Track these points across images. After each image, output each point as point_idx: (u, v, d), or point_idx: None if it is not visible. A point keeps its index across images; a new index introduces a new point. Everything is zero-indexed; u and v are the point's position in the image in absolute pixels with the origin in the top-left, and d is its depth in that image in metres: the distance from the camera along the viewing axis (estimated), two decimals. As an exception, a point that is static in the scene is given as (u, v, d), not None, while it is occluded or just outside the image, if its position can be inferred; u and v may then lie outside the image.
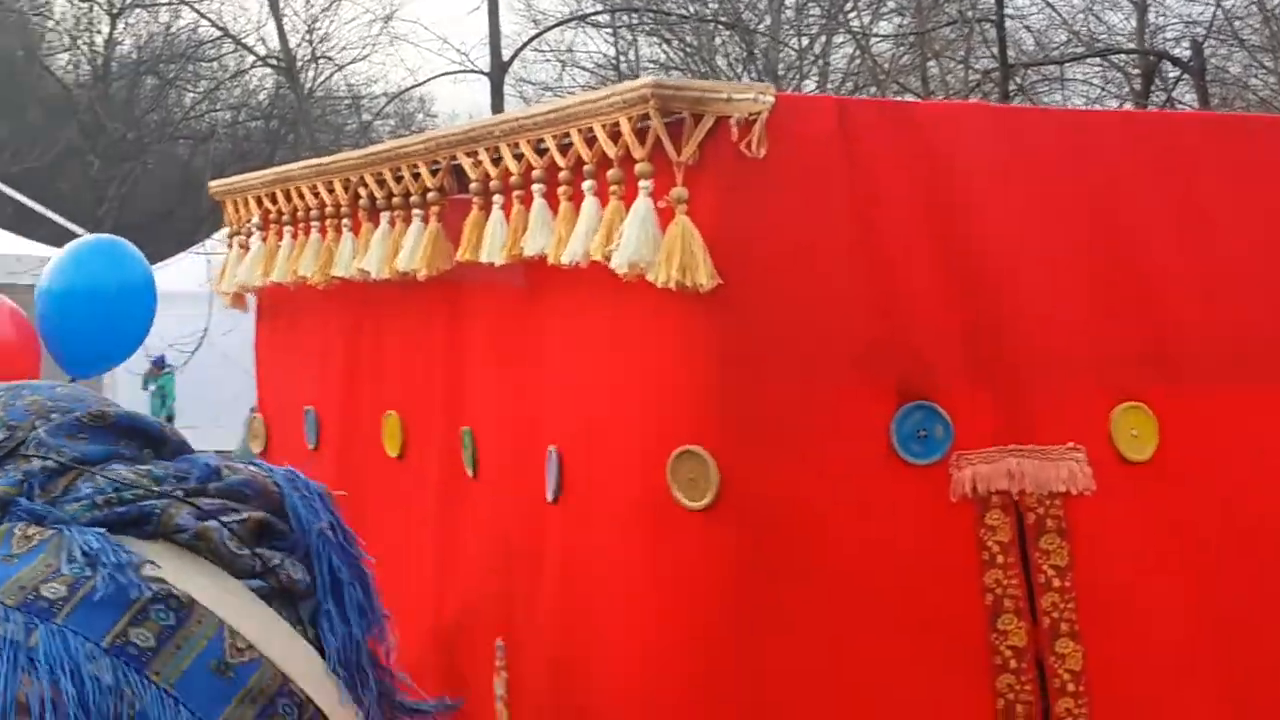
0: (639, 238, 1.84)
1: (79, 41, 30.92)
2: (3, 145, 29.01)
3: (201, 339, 14.82)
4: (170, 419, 18.41)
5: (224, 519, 1.51)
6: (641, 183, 1.85)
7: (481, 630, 2.27)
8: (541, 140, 2.01)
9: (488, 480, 2.26)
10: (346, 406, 2.59)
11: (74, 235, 16.29)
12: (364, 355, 2.55)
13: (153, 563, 1.46)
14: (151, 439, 1.61)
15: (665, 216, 1.84)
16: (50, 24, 31.21)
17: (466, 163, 2.16)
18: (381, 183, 2.35)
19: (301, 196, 2.54)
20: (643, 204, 1.85)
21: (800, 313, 1.88)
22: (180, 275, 18.97)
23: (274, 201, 2.62)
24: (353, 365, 2.57)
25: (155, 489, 1.53)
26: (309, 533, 1.53)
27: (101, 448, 1.58)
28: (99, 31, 30.67)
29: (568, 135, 1.97)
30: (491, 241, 2.08)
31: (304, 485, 1.58)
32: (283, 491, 1.56)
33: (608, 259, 1.87)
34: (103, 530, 1.48)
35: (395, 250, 2.29)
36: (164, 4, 29.49)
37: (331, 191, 2.46)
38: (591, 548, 2.03)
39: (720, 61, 18.63)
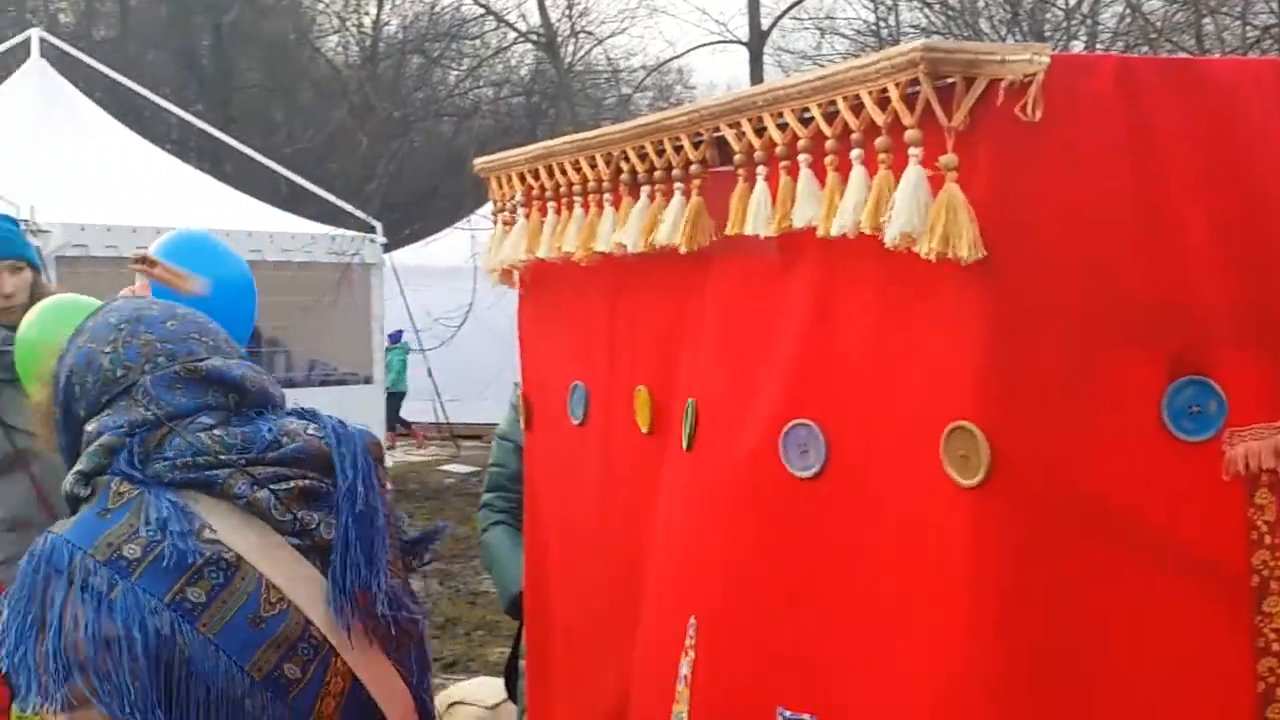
0: (911, 207, 1.78)
1: (348, 23, 31.80)
2: (278, 126, 30.07)
3: (466, 314, 15.16)
4: (400, 394, 18.85)
5: (274, 487, 1.97)
6: (911, 150, 1.79)
7: (675, 606, 2.24)
8: (806, 109, 1.97)
9: (706, 453, 2.23)
10: (607, 381, 2.58)
11: (344, 213, 16.82)
12: (620, 329, 2.54)
13: (210, 527, 1.93)
14: (236, 388, 2.05)
15: (935, 185, 1.78)
16: (320, 7, 32.13)
17: (729, 134, 2.13)
18: (643, 156, 2.33)
19: (564, 172, 2.54)
20: (913, 172, 1.79)
21: (1074, 282, 1.80)
22: (446, 251, 19.45)
23: (536, 178, 2.62)
24: (612, 339, 2.56)
25: (222, 457, 1.97)
26: (338, 493, 1.97)
27: (192, 401, 2.03)
28: (367, 13, 31.49)
29: (834, 103, 1.92)
30: (757, 214, 2.05)
31: (349, 442, 2.03)
32: (330, 454, 2.00)
33: (878, 230, 1.82)
34: (177, 495, 1.95)
35: (653, 224, 2.27)
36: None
37: (594, 166, 2.45)
38: (858, 525, 1.98)
39: (984, 24, 18.26)
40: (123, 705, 1.89)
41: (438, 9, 29.36)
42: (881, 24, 22.12)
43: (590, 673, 2.67)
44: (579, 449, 2.68)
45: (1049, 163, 1.79)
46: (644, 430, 2.47)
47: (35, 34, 16.18)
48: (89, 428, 2.05)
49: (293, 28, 30.03)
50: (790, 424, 2.06)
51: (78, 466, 2.03)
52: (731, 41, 21.15)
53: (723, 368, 2.23)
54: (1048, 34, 16.65)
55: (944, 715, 1.85)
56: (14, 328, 4.94)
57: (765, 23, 20.09)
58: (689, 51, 36.53)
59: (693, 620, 2.19)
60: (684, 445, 2.29)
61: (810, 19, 23.12)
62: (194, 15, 29.46)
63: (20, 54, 16.48)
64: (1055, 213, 1.79)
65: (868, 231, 1.84)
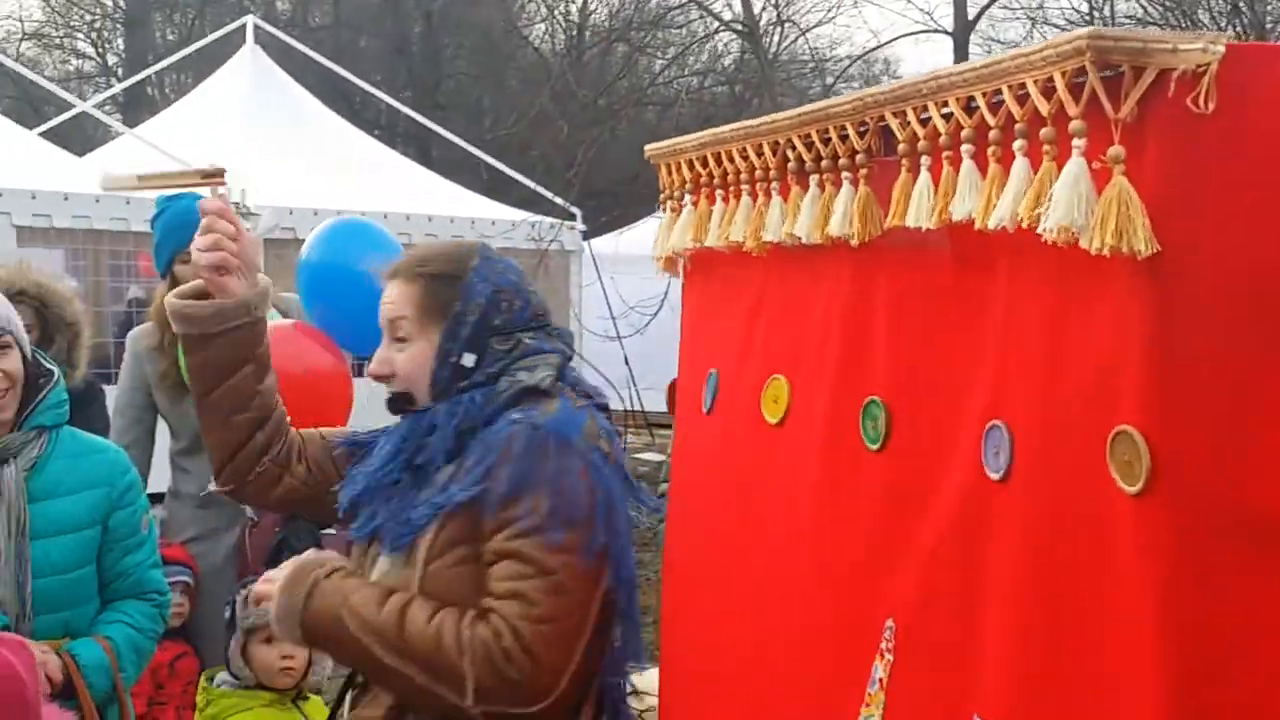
0: (1070, 199, 1.72)
1: (555, 12, 32.07)
2: (484, 112, 30.45)
3: (662, 302, 15.19)
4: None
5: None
6: (1075, 141, 1.73)
7: (869, 609, 2.19)
8: (972, 98, 1.91)
9: (897, 454, 2.18)
10: (737, 369, 2.55)
11: (545, 200, 16.99)
12: (762, 318, 2.51)
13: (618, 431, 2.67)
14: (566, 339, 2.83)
15: (1101, 178, 1.72)
16: (529, -4, 32.41)
17: (894, 123, 2.08)
18: (809, 145, 2.29)
19: (731, 160, 2.51)
20: (1075, 164, 1.72)
21: (1245, 283, 1.72)
22: (643, 238, 19.54)
23: (705, 165, 2.60)
24: (750, 328, 2.53)
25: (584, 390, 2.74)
26: None
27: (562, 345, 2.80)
28: (574, 1, 31.72)
29: (999, 92, 1.86)
30: (919, 205, 2.00)
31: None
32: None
33: (1036, 223, 1.76)
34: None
35: (825, 215, 2.23)
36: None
37: (760, 154, 2.42)
38: (1040, 530, 1.91)
39: (1203, 15, 17.74)
40: (621, 551, 2.53)
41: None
42: (1095, 14, 21.62)
43: (716, 654, 2.64)
44: (706, 436, 2.66)
45: (1221, 157, 1.71)
46: (772, 421, 2.43)
47: (250, 20, 16.63)
48: (526, 340, 2.74)
49: (501, 16, 30.39)
50: (989, 425, 2.00)
51: (544, 372, 2.72)
52: (936, 31, 20.89)
53: (910, 367, 2.18)
54: (1270, 25, 16.12)
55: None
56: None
57: (972, 11, 19.78)
58: (893, 41, 36.20)
59: (890, 623, 2.14)
60: (871, 445, 2.23)
61: (1021, 9, 22.75)
62: (405, 3, 29.99)
63: (236, 40, 16.97)
64: (1227, 210, 1.71)
65: (1025, 225, 1.78)
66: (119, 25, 32.16)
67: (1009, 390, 1.96)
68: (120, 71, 26.99)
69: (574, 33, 30.44)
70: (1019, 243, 1.88)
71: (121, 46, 31.53)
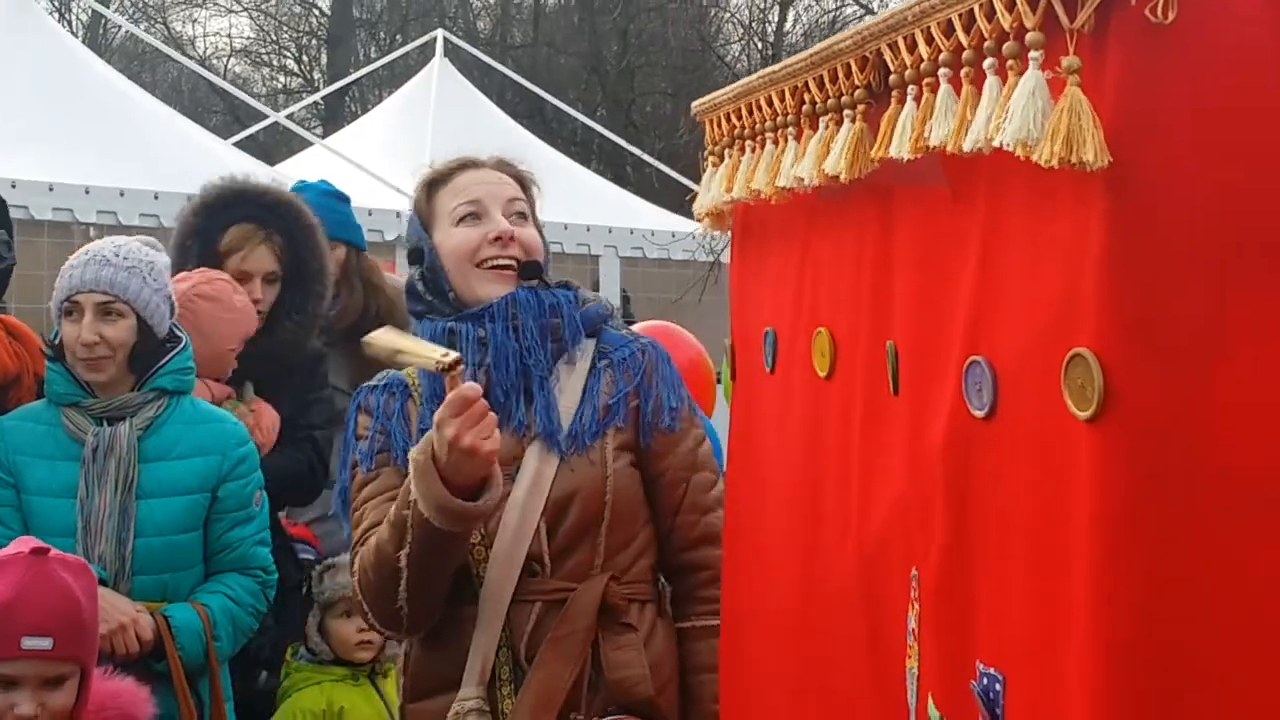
0: (1027, 112, 1.65)
1: (752, 32, 32.14)
2: (677, 131, 30.53)
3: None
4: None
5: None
6: (1032, 54, 1.66)
7: (897, 560, 2.13)
8: (950, 20, 1.86)
9: (909, 398, 2.11)
10: (792, 325, 2.50)
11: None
12: (808, 271, 2.46)
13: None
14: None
15: (1056, 90, 1.65)
16: (726, 15, 32.57)
17: (888, 55, 2.03)
18: (821, 85, 2.25)
19: (759, 108, 2.47)
20: (1032, 76, 1.65)
21: (1210, 204, 1.62)
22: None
23: (739, 117, 2.57)
24: (799, 281, 2.48)
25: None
26: None
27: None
28: (770, 21, 31.76)
29: (971, 12, 1.80)
30: (900, 134, 1.94)
31: None
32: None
33: (994, 141, 1.70)
34: None
35: (824, 154, 2.18)
36: (834, -8, 30.22)
37: (783, 100, 2.38)
38: (1017, 467, 1.85)
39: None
40: None
41: (840, 17, 29.42)
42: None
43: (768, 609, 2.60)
44: (769, 397, 2.61)
45: (1184, 69, 1.62)
46: (822, 374, 2.38)
47: (439, 35, 16.95)
48: None
49: (698, 36, 30.54)
50: (969, 361, 1.94)
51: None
52: None
53: (915, 307, 2.12)
54: None
55: (1070, 668, 1.70)
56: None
57: None
58: None
59: (914, 572, 2.09)
60: (891, 390, 2.18)
61: None
62: (601, 23, 30.31)
63: (431, 56, 17.30)
64: (1190, 125, 1.62)
65: (992, 144, 1.72)
66: (323, 43, 33.06)
67: (987, 324, 1.89)
68: (322, 87, 27.72)
69: (769, 52, 30.43)
70: (995, 168, 1.82)
71: (324, 63, 32.41)
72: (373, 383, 3.36)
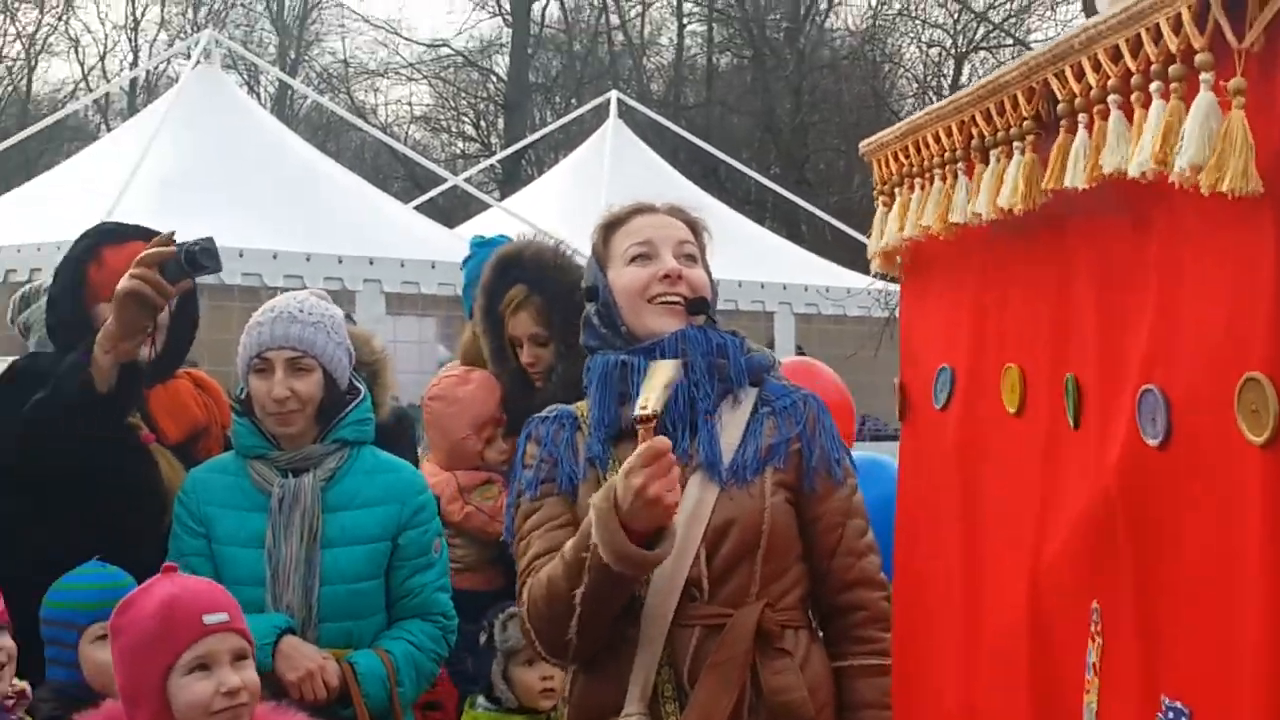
0: (1201, 138, 1.63)
1: (926, 86, 32.02)
2: (853, 188, 30.49)
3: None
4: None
5: None
6: (1202, 75, 1.65)
7: (1075, 594, 2.10)
8: (1117, 46, 1.85)
9: (1089, 429, 2.09)
10: (973, 362, 2.48)
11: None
12: (989, 306, 2.44)
13: None
14: None
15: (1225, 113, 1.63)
16: (900, 71, 32.50)
17: (1055, 84, 2.02)
18: (989, 119, 2.24)
19: (926, 145, 2.47)
20: (1204, 99, 1.64)
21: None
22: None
23: (906, 155, 2.57)
24: (980, 318, 2.46)
25: None
26: None
27: None
28: (945, 75, 31.62)
29: (1138, 36, 1.79)
30: (1074, 163, 1.93)
31: None
32: None
33: (1166, 166, 1.68)
34: None
35: (998, 188, 2.18)
36: (1010, 45, 30.01)
37: (950, 135, 2.38)
38: (1194, 496, 1.82)
39: None
40: None
41: (1015, 68, 29.13)
42: None
43: (941, 651, 2.57)
44: (939, 434, 2.59)
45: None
46: (1011, 411, 2.36)
47: (613, 96, 17.17)
48: None
49: (871, 92, 30.48)
50: (1141, 390, 1.92)
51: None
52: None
53: (1094, 338, 2.10)
54: None
55: (1246, 699, 1.67)
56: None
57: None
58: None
59: (1095, 605, 2.07)
60: (1071, 424, 2.16)
61: None
62: (775, 82, 30.42)
63: (605, 118, 17.52)
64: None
65: (1159, 169, 1.71)
66: (500, 108, 33.66)
67: (1161, 351, 1.87)
68: (499, 151, 28.22)
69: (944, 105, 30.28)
70: (1171, 194, 1.79)
71: (501, 128, 32.99)
72: (543, 414, 3.49)
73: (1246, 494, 1.66)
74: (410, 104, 39.92)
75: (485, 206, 16.63)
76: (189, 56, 13.55)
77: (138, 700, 3.12)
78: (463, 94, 34.79)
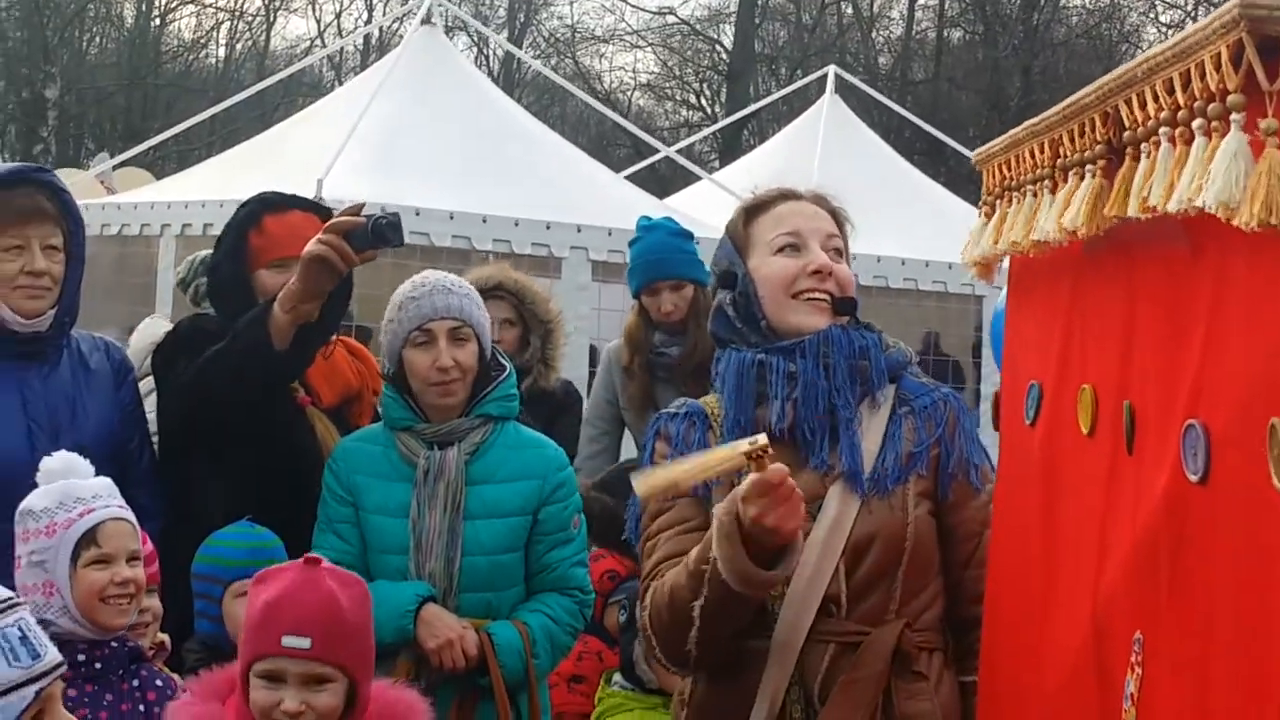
0: (1229, 174, 1.62)
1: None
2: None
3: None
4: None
5: None
6: (1233, 116, 1.63)
7: (1122, 624, 2.09)
8: (1171, 79, 1.83)
9: (1143, 457, 2.07)
10: (1057, 380, 2.47)
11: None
12: (1074, 325, 2.42)
13: None
14: None
15: (1257, 153, 1.61)
16: (1138, 51, 31.71)
17: (1124, 111, 2.00)
18: (1072, 139, 2.23)
19: (1023, 160, 2.46)
20: (1234, 138, 1.63)
21: None
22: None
23: (1009, 168, 2.56)
24: (1066, 336, 2.45)
25: None
26: None
27: None
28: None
29: (1189, 72, 1.77)
30: (1135, 192, 1.92)
31: None
32: None
33: (1193, 202, 1.67)
34: None
35: (1065, 209, 2.16)
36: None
37: (1043, 152, 2.37)
38: (1230, 537, 1.80)
39: None
40: None
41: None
42: None
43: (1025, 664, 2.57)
44: (1027, 451, 2.58)
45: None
46: (1084, 431, 2.34)
47: (830, 70, 17.03)
48: None
49: (1104, 73, 29.67)
50: (1186, 424, 1.91)
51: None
52: None
53: (1150, 366, 2.09)
54: None
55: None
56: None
57: None
58: None
59: (1138, 635, 2.06)
60: (1127, 450, 2.16)
61: None
62: (1005, 60, 29.87)
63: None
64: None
65: (1194, 204, 1.69)
66: (723, 78, 33.65)
67: (1206, 386, 1.85)
68: (720, 120, 28.23)
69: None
70: (1226, 228, 1.78)
71: (724, 97, 32.98)
72: (672, 410, 3.40)
73: (1276, 539, 1.64)
74: (635, 71, 40.13)
75: (696, 177, 16.65)
76: (417, 16, 13.81)
77: (238, 672, 3.23)
78: (688, 62, 34.89)
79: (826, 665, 3.08)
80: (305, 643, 3.12)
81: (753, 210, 3.43)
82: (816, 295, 3.27)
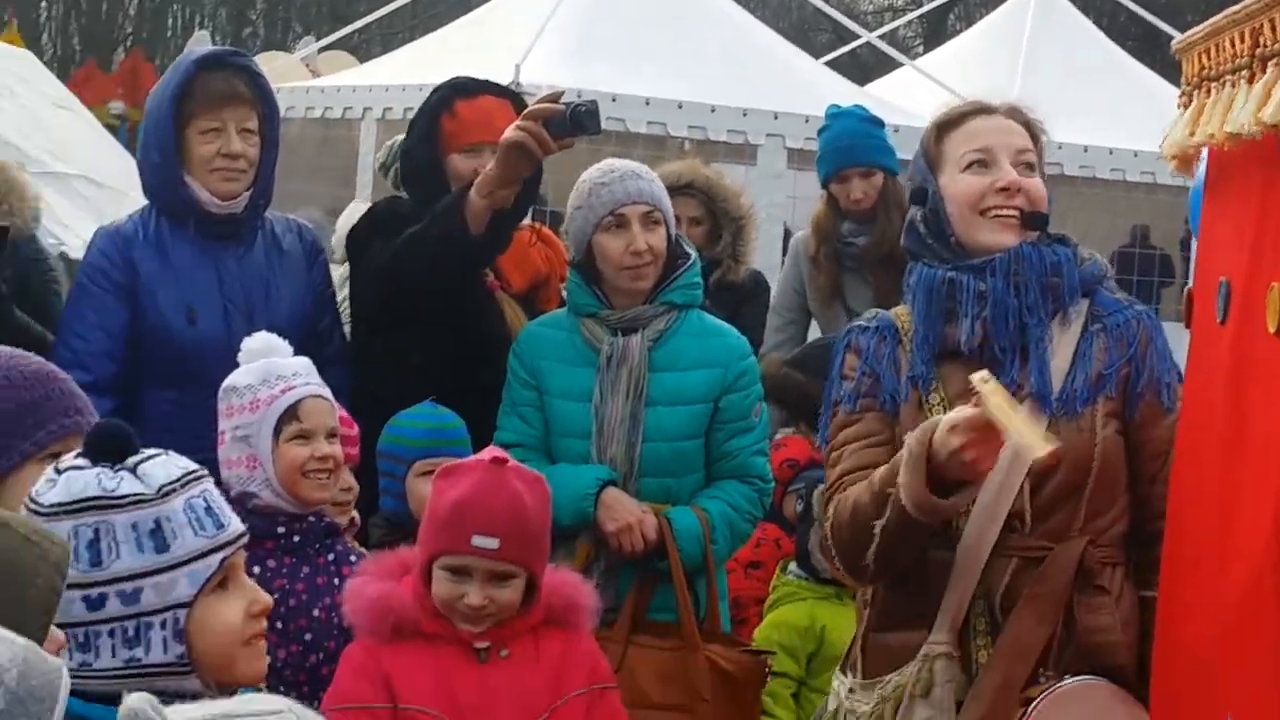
0: None
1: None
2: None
3: None
4: None
5: None
6: None
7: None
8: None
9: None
10: (1247, 277, 2.38)
11: None
12: (1266, 223, 2.32)
13: None
14: None
15: None
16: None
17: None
18: (1274, 29, 2.13)
19: (1222, 49, 2.36)
20: None
21: None
22: None
23: (1208, 57, 2.46)
24: (1260, 232, 2.35)
25: None
26: None
27: None
28: None
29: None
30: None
31: None
32: None
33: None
34: None
35: (1266, 101, 2.07)
36: None
37: (1243, 40, 2.26)
38: None
39: None
40: None
41: None
42: None
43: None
44: (1216, 350, 2.50)
45: None
46: (1271, 330, 2.26)
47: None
48: None
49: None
50: None
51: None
52: None
53: None
54: None
55: None
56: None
57: None
58: None
59: None
60: None
61: None
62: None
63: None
64: None
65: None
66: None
67: None
68: (925, 4, 27.61)
69: None
70: None
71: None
72: (862, 322, 3.44)
73: None
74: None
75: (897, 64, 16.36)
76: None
77: (420, 560, 3.31)
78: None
79: (1009, 579, 3.13)
80: (494, 543, 3.21)
81: (944, 126, 3.41)
82: (1005, 212, 3.25)
